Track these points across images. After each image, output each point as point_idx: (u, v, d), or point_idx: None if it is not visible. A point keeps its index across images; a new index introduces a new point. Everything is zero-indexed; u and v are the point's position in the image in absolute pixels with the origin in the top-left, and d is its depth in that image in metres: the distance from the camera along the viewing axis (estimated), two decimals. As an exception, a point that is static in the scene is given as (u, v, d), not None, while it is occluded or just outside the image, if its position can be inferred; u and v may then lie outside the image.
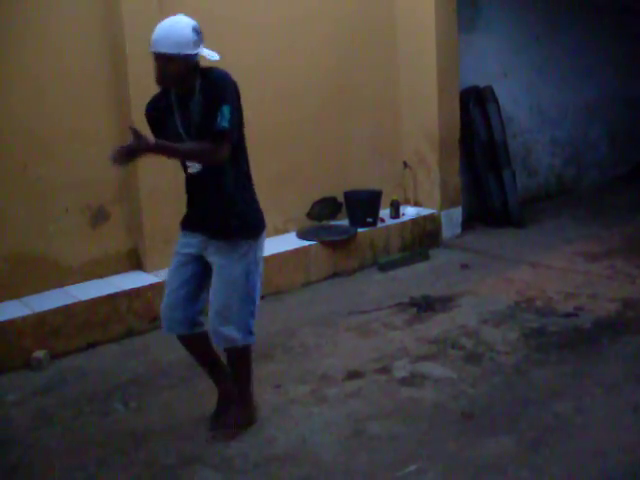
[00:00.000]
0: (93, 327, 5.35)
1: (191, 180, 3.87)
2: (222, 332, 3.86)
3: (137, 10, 5.57)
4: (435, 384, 4.46)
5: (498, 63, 8.51)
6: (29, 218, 5.47)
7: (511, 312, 5.55)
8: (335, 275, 6.63)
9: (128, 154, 3.49)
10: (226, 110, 3.59)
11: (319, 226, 7.02)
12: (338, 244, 6.65)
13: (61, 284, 5.61)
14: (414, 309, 5.68)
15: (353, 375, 4.65)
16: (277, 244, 6.53)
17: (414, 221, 7.35)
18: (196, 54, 3.67)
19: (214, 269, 3.86)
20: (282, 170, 6.82)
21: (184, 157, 3.77)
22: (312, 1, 6.86)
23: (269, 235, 6.69)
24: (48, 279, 5.56)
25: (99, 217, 5.81)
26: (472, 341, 5.07)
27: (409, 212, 7.44)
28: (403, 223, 7.28)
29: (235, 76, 6.36)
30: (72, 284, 5.65)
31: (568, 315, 5.43)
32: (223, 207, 3.83)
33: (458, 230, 7.77)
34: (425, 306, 5.72)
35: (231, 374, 4.12)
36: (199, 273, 3.93)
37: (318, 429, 4.04)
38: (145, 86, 5.61)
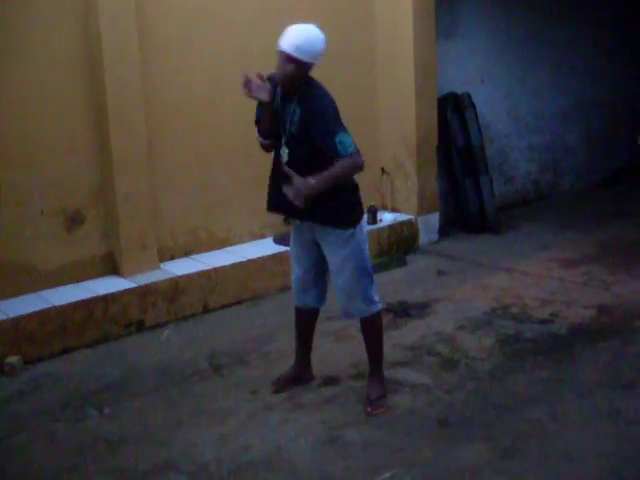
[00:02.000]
0: (68, 332, 5.30)
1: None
2: (350, 308, 4.28)
3: (114, 18, 5.54)
4: (410, 390, 4.47)
5: (476, 69, 8.54)
6: (3, 221, 5.41)
7: (487, 318, 5.57)
8: (312, 280, 6.62)
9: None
10: (343, 138, 3.95)
11: (296, 231, 7.00)
12: (315, 249, 6.64)
13: (36, 289, 5.56)
14: (390, 315, 5.68)
15: (329, 381, 4.65)
16: (254, 249, 6.53)
17: (391, 227, 7.36)
18: (312, 64, 4.01)
19: (326, 251, 4.23)
20: (259, 175, 6.74)
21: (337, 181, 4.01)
22: (294, 7, 6.84)
23: (245, 241, 6.75)
24: (22, 284, 5.50)
25: (75, 221, 5.76)
26: (448, 347, 5.08)
27: (386, 218, 7.45)
28: (380, 229, 7.29)
29: (215, 78, 6.41)
30: (47, 289, 5.59)
31: (543, 321, 5.46)
32: (326, 199, 4.06)
33: (435, 236, 7.78)
34: (401, 312, 5.72)
35: (366, 347, 4.46)
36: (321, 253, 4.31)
37: (293, 435, 4.03)
38: (122, 91, 5.66)
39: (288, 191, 3.91)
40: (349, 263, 4.16)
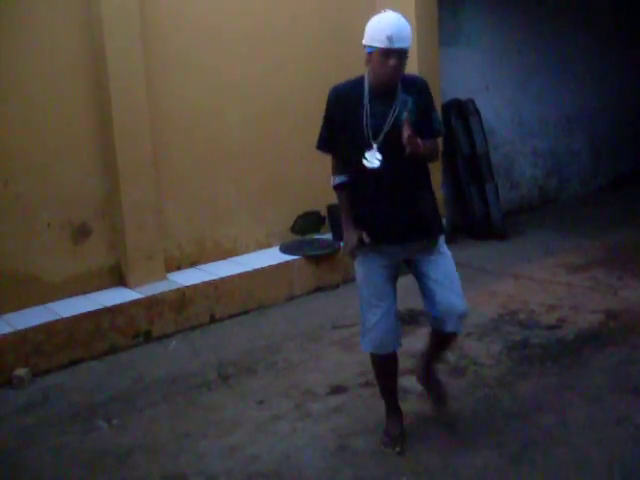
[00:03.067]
0: (75, 344, 5.31)
1: (389, 186, 3.71)
2: (462, 313, 3.90)
3: (118, 31, 5.59)
4: (418, 398, 4.46)
5: (480, 76, 8.55)
6: (10, 234, 5.43)
7: (494, 325, 5.56)
8: (318, 289, 6.62)
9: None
10: (438, 116, 3.87)
11: (302, 240, 7.02)
12: (321, 258, 6.65)
13: (43, 301, 5.58)
14: (397, 322, 5.66)
15: (337, 390, 4.65)
16: (260, 258, 6.54)
17: (397, 234, 7.34)
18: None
19: (430, 261, 3.85)
20: (265, 184, 6.82)
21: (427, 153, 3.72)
22: (294, 18, 6.88)
23: (251, 250, 6.76)
24: (30, 296, 5.52)
25: (81, 233, 5.78)
26: (455, 354, 5.06)
27: (392, 225, 7.43)
28: (386, 236, 7.27)
29: (219, 89, 6.45)
30: (54, 301, 5.61)
31: (551, 327, 5.45)
32: (429, 206, 3.85)
33: (441, 243, 7.75)
34: (409, 319, 5.71)
35: (434, 354, 4.22)
36: (396, 281, 3.96)
37: (302, 445, 4.03)
38: (127, 103, 5.67)
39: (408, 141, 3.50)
40: (454, 268, 3.93)
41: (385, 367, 3.98)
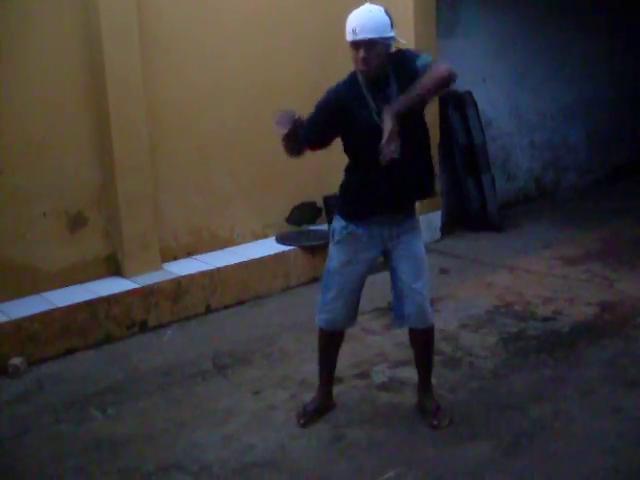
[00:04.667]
0: (71, 333, 5.30)
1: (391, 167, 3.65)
2: (428, 312, 4.01)
3: (115, 18, 5.57)
4: (414, 389, 4.44)
5: (477, 68, 8.52)
6: (6, 224, 5.42)
7: (490, 316, 5.57)
8: (315, 280, 6.61)
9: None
10: (422, 57, 3.70)
11: (298, 231, 7.01)
12: (318, 249, 6.64)
13: (39, 290, 5.57)
14: (393, 314, 5.66)
15: (332, 380, 4.65)
16: (256, 249, 6.54)
17: (393, 225, 7.34)
18: (392, 37, 3.73)
19: (403, 250, 3.91)
20: (261, 175, 6.81)
21: (429, 95, 3.66)
22: (294, 7, 6.86)
23: (247, 240, 6.75)
24: (25, 285, 5.52)
25: (77, 222, 5.77)
26: (451, 346, 5.07)
27: (388, 216, 7.43)
28: (382, 227, 7.26)
29: (217, 79, 6.42)
30: (50, 290, 5.61)
31: (546, 319, 5.45)
32: (425, 183, 4.02)
33: (437, 234, 7.77)
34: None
35: (420, 360, 4.20)
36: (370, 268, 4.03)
37: (297, 435, 4.03)
38: (123, 92, 5.66)
39: (387, 146, 3.49)
40: (425, 260, 3.97)
41: (331, 342, 4.18)
